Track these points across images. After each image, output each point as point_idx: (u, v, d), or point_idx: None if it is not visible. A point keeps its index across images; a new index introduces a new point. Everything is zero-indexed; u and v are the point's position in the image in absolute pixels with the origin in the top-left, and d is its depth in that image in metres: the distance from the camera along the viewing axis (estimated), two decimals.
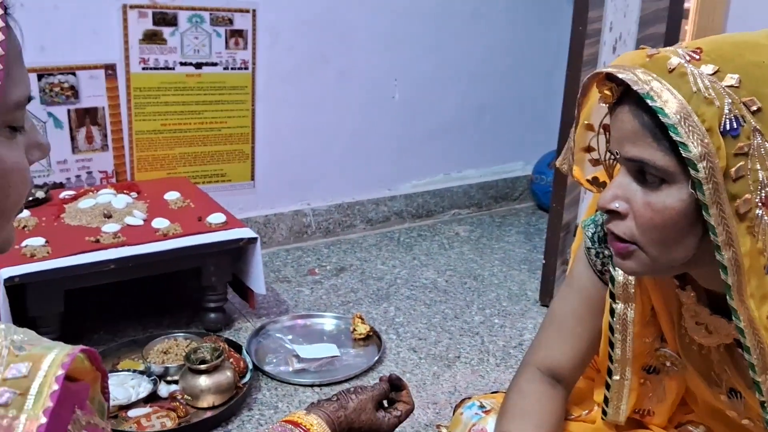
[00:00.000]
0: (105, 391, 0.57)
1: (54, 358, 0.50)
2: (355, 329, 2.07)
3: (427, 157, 3.06)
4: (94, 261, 1.79)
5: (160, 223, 1.99)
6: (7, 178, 0.57)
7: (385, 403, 1.09)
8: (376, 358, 1.96)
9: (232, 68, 2.45)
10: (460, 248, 2.81)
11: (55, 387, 0.49)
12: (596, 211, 1.08)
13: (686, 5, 3.21)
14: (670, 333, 1.01)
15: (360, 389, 1.05)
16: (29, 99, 0.58)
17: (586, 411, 1.20)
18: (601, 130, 0.97)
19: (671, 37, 2.70)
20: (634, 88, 0.77)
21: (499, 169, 3.32)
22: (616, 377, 1.06)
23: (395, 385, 1.10)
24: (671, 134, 0.75)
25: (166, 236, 1.93)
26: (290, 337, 2.06)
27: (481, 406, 1.22)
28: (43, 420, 0.48)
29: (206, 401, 1.70)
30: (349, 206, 2.89)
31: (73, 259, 1.78)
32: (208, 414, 1.68)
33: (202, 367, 1.69)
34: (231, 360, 1.79)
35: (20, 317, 1.76)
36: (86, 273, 1.79)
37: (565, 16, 3.17)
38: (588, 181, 1.05)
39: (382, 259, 2.67)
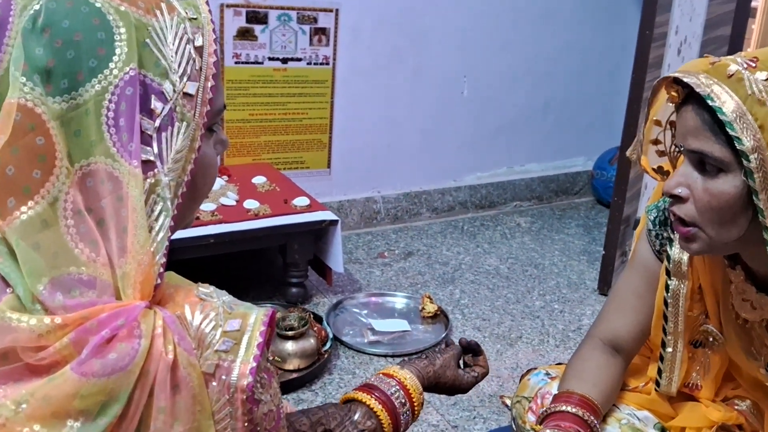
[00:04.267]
0: (269, 342, 0.73)
1: (256, 317, 0.67)
2: (423, 308, 2.24)
3: (491, 150, 3.21)
4: (196, 236, 2.00)
5: (251, 204, 2.19)
6: (206, 170, 0.72)
7: (461, 364, 1.24)
8: (444, 334, 2.13)
9: (314, 63, 2.64)
10: (521, 238, 2.95)
11: (260, 340, 0.66)
12: (661, 197, 1.22)
13: (753, 4, 3.25)
14: (713, 310, 1.15)
15: (444, 349, 1.18)
16: (224, 105, 0.75)
17: (643, 383, 1.33)
18: (668, 126, 1.11)
19: (736, 38, 2.77)
20: (697, 90, 0.92)
21: (561, 164, 3.44)
22: (669, 349, 1.19)
23: (474, 350, 1.25)
24: (728, 130, 0.89)
25: (257, 216, 2.13)
26: (365, 312, 2.24)
27: (547, 374, 1.37)
28: (254, 364, 0.65)
29: (292, 364, 1.89)
30: (416, 195, 3.06)
31: (178, 233, 1.99)
32: (294, 376, 1.87)
33: (290, 333, 1.89)
34: (314, 329, 1.98)
35: None
36: (188, 246, 2.00)
37: (630, 17, 3.28)
38: (653, 169, 1.19)
39: (447, 246, 2.83)
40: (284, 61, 2.59)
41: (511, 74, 3.11)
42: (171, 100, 0.65)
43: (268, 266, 2.48)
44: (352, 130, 2.82)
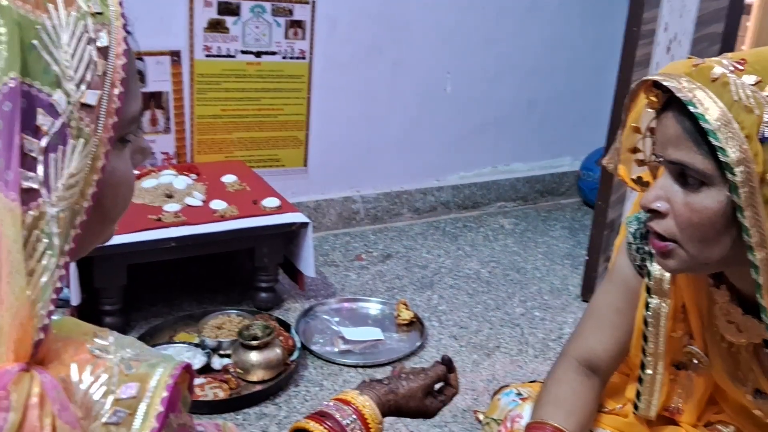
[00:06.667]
0: (190, 387, 0.62)
1: (159, 379, 0.56)
2: (399, 315, 2.14)
3: (475, 149, 3.11)
4: (156, 238, 1.90)
5: (217, 204, 2.08)
6: (118, 189, 0.62)
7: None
8: (419, 343, 2.03)
9: (290, 57, 2.54)
10: (504, 240, 2.85)
11: (161, 409, 0.55)
12: (640, 209, 1.13)
13: (747, 0, 3.17)
14: (698, 330, 1.06)
15: (412, 375, 1.07)
16: (141, 111, 0.64)
17: (620, 405, 1.24)
18: (648, 133, 1.02)
19: (729, 36, 2.68)
20: (678, 95, 0.82)
21: (547, 164, 3.34)
22: (649, 371, 1.11)
23: (447, 366, 1.15)
24: (711, 139, 0.80)
25: (223, 217, 2.03)
26: (337, 319, 2.14)
27: (519, 394, 1.28)
28: None
29: (256, 375, 1.79)
30: (397, 195, 2.96)
31: (137, 235, 1.89)
32: (258, 388, 1.78)
33: (254, 343, 1.79)
34: (280, 338, 1.88)
35: (87, 289, 1.88)
36: (148, 249, 1.90)
37: (619, 12, 3.17)
38: (633, 180, 1.10)
39: (427, 248, 2.73)
40: (258, 54, 2.48)
41: (496, 70, 3.01)
42: (64, 113, 0.54)
43: (236, 270, 2.38)
44: (330, 126, 2.71)
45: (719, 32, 2.65)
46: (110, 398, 0.54)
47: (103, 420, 0.54)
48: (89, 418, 0.54)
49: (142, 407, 0.55)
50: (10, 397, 0.50)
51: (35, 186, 0.53)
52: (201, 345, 1.90)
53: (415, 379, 1.07)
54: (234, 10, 2.40)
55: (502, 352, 2.04)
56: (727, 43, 2.70)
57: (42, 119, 0.53)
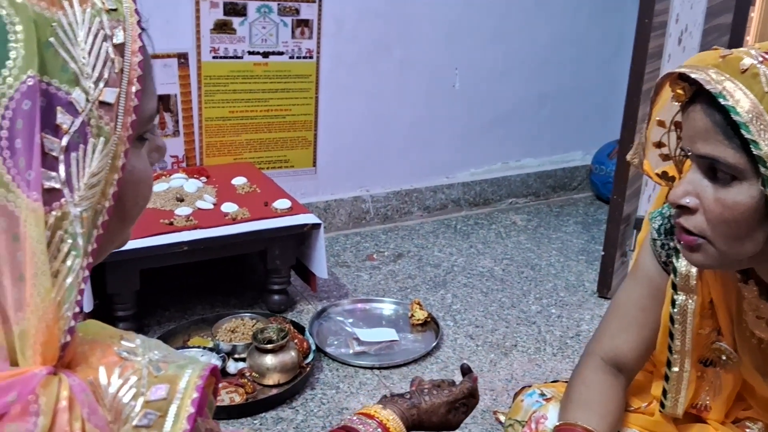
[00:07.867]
0: (215, 392, 0.61)
1: (188, 380, 0.55)
2: (413, 315, 2.12)
3: (485, 145, 3.08)
4: (168, 243, 1.88)
5: (229, 207, 2.07)
6: (138, 188, 0.60)
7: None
8: (434, 344, 2.01)
9: (297, 57, 2.52)
10: (517, 237, 2.83)
11: (191, 410, 0.54)
12: (664, 203, 1.10)
13: None
14: (727, 326, 1.03)
15: (435, 390, 1.07)
16: (157, 109, 0.63)
17: (646, 403, 1.22)
18: (672, 127, 1.00)
19: (738, 26, 2.66)
20: (707, 87, 0.80)
21: (558, 159, 3.32)
22: (675, 369, 1.08)
23: (465, 375, 1.14)
24: (743, 132, 0.77)
25: (234, 220, 2.01)
26: (351, 320, 2.12)
27: (542, 394, 1.26)
28: None
29: (272, 379, 1.77)
30: (407, 193, 2.94)
31: (149, 240, 1.87)
32: (274, 391, 1.76)
33: (269, 346, 1.77)
34: (295, 341, 1.86)
35: (99, 295, 1.87)
36: (161, 254, 1.88)
37: (627, 4, 3.15)
38: (657, 175, 1.08)
39: (439, 247, 2.71)
40: (265, 55, 2.46)
41: (504, 65, 2.98)
42: (83, 111, 0.53)
43: (248, 272, 2.36)
44: (339, 126, 2.69)
45: (728, 23, 2.63)
46: (140, 400, 0.53)
47: (134, 423, 0.52)
48: (119, 421, 0.52)
49: (172, 409, 0.54)
50: (39, 400, 0.49)
51: (57, 186, 0.52)
52: (215, 349, 1.88)
53: (438, 395, 1.07)
54: (240, 11, 2.38)
55: (520, 351, 2.01)
56: (737, 33, 2.67)
57: (62, 117, 0.52)
